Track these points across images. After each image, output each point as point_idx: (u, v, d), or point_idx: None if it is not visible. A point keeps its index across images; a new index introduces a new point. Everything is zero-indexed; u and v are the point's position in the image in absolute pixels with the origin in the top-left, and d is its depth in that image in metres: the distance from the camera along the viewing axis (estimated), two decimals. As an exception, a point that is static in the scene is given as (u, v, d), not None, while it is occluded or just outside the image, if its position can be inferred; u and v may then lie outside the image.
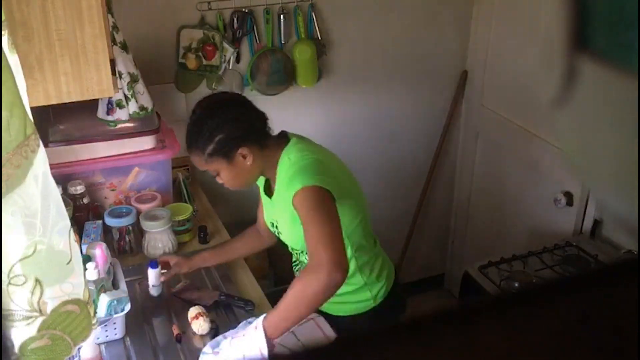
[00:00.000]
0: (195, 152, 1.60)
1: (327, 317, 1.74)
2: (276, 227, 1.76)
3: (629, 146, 0.27)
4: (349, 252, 1.65)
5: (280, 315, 1.45)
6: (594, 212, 2.36)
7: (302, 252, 1.75)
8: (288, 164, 1.61)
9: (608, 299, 0.35)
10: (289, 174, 1.58)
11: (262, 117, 1.66)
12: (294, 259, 1.86)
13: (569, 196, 2.41)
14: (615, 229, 2.27)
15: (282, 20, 2.43)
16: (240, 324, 1.64)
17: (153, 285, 1.81)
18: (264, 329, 1.44)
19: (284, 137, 1.70)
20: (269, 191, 1.76)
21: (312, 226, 1.46)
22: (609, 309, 0.34)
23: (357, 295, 1.76)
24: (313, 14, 2.47)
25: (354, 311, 1.78)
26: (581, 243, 2.31)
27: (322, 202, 1.49)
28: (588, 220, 2.39)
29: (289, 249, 1.81)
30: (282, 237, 1.76)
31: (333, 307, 1.74)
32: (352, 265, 1.67)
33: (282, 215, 1.68)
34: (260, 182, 1.79)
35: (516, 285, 2.12)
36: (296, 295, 1.43)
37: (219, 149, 1.58)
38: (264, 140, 1.64)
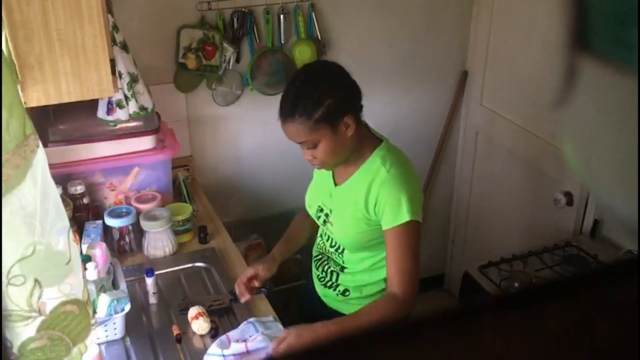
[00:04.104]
0: (299, 119, 1.52)
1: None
2: (326, 215, 1.73)
3: (629, 146, 0.27)
4: None
5: (347, 323, 1.58)
6: (594, 212, 2.36)
7: (340, 251, 1.74)
8: (383, 170, 1.59)
9: (608, 299, 0.35)
10: (390, 188, 1.57)
11: (359, 91, 1.62)
12: (316, 254, 1.85)
13: (569, 196, 2.41)
14: (615, 229, 2.27)
15: (282, 20, 2.43)
16: (242, 325, 1.64)
17: (153, 293, 1.81)
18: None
19: (372, 134, 1.69)
20: (334, 176, 1.73)
21: (408, 261, 1.59)
22: (609, 309, 0.34)
23: (373, 297, 1.76)
24: (313, 14, 2.47)
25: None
26: (581, 243, 2.31)
27: (418, 239, 1.61)
28: (588, 220, 2.39)
29: (322, 240, 1.80)
30: (329, 228, 1.73)
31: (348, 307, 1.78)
32: (368, 265, 1.73)
33: (344, 210, 1.68)
34: None
35: (516, 285, 2.12)
36: (369, 312, 1.57)
37: (327, 114, 1.51)
38: (360, 115, 1.61)
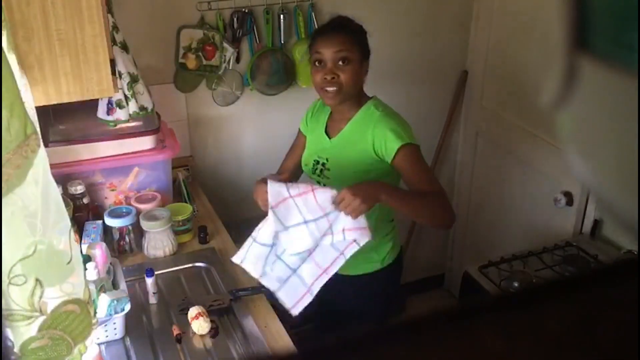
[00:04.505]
0: (346, 33, 1.72)
1: (333, 276, 1.75)
2: (322, 164, 1.84)
3: (629, 146, 0.27)
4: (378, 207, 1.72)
5: (406, 194, 1.71)
6: (594, 212, 2.36)
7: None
8: (376, 113, 1.77)
9: (608, 299, 0.35)
10: (383, 123, 1.73)
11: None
12: None
13: (569, 196, 2.41)
14: (615, 229, 2.27)
15: (282, 20, 2.43)
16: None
17: (154, 293, 1.81)
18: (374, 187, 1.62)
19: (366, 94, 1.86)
20: (328, 131, 1.87)
21: (428, 173, 1.78)
22: (609, 309, 0.34)
23: (367, 255, 1.83)
24: (313, 14, 2.47)
25: (360, 271, 1.89)
26: (581, 243, 2.31)
27: (422, 158, 1.76)
28: (588, 220, 2.39)
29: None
30: (327, 174, 1.83)
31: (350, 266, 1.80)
32: (373, 219, 1.76)
33: (341, 157, 1.80)
34: (322, 123, 1.89)
35: (516, 285, 2.12)
36: (426, 195, 1.69)
37: (365, 44, 1.76)
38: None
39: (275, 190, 1.66)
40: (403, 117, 1.82)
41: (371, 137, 1.74)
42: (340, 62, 1.71)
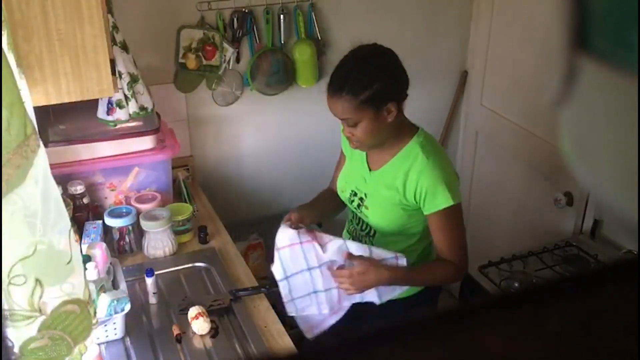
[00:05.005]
0: (347, 97, 1.56)
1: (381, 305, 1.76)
2: (360, 199, 1.77)
3: (629, 146, 0.27)
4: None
5: (408, 274, 1.67)
6: (594, 212, 2.36)
7: (372, 234, 1.77)
8: (422, 157, 1.64)
9: (608, 299, 0.35)
10: (433, 173, 1.63)
11: (407, 80, 1.66)
12: (346, 237, 1.87)
13: (569, 196, 2.41)
14: (615, 229, 2.27)
15: (282, 20, 2.43)
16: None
17: (154, 293, 1.81)
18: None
19: (410, 122, 1.73)
20: (369, 160, 1.77)
21: (458, 238, 1.72)
22: (609, 309, 0.34)
23: None
24: (313, 13, 2.47)
25: (410, 292, 1.83)
26: (581, 243, 2.31)
27: (462, 217, 1.73)
28: (588, 220, 2.39)
29: (351, 224, 1.84)
30: (364, 212, 1.76)
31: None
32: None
33: (379, 194, 1.72)
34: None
35: (516, 285, 2.12)
36: (433, 270, 1.72)
37: (373, 97, 1.56)
38: (403, 103, 1.66)
39: (286, 235, 1.68)
40: (446, 155, 1.75)
41: (415, 183, 1.64)
42: (349, 125, 1.62)
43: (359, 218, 1.81)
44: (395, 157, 1.69)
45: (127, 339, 1.67)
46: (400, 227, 1.73)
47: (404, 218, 1.71)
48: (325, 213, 1.92)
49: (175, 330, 1.67)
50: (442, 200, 1.63)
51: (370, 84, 1.56)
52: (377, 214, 1.74)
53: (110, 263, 1.72)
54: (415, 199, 1.66)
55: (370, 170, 1.76)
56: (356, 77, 1.57)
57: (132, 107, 1.98)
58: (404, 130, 1.69)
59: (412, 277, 1.70)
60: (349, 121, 1.60)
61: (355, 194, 1.79)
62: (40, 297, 1.10)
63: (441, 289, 1.98)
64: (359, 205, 1.78)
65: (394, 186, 1.68)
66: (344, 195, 1.83)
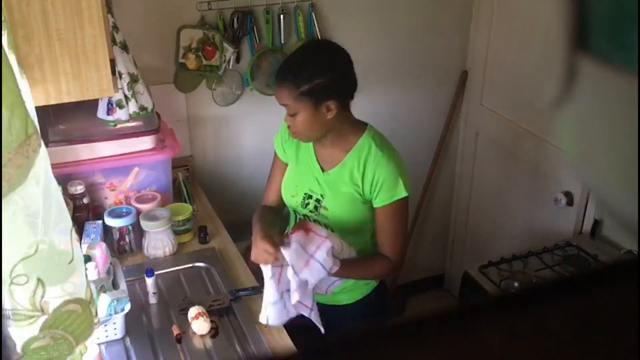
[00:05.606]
0: (288, 85, 1.59)
1: (331, 308, 1.78)
2: (317, 200, 1.74)
3: (629, 146, 0.27)
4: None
5: (346, 269, 1.66)
6: (594, 212, 2.36)
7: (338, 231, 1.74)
8: (376, 151, 1.67)
9: (608, 299, 0.35)
10: (388, 166, 1.65)
11: (356, 82, 1.68)
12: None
13: (569, 196, 2.41)
14: (615, 229, 2.27)
15: (282, 20, 2.43)
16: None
17: (154, 293, 1.81)
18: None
19: (357, 120, 1.74)
20: (319, 160, 1.75)
21: (401, 233, 1.75)
22: (609, 309, 0.34)
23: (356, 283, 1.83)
24: (313, 14, 2.47)
25: (359, 296, 1.85)
26: (581, 243, 2.31)
27: (407, 211, 1.74)
28: (588, 220, 2.39)
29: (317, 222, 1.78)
30: (323, 213, 1.73)
31: (344, 296, 1.83)
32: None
33: (338, 193, 1.71)
34: (310, 152, 1.76)
35: (516, 285, 2.12)
36: (369, 266, 1.74)
37: (312, 91, 1.58)
38: (348, 104, 1.68)
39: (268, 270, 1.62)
40: (395, 149, 1.75)
41: (371, 175, 1.66)
42: (288, 114, 1.64)
43: (315, 220, 1.77)
44: (349, 154, 1.70)
45: (127, 339, 1.67)
46: (361, 223, 1.74)
47: (365, 212, 1.72)
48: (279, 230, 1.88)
49: (175, 330, 1.67)
50: (398, 191, 1.66)
51: (312, 77, 1.57)
52: (338, 213, 1.72)
53: (110, 263, 1.72)
54: (370, 190, 1.68)
55: (323, 171, 1.74)
56: (300, 69, 1.59)
57: (132, 107, 1.98)
58: (352, 127, 1.71)
59: (347, 269, 1.68)
60: (288, 109, 1.63)
61: (310, 197, 1.76)
62: (42, 296, 1.11)
63: (387, 291, 2.02)
64: (316, 207, 1.75)
65: (352, 181, 1.69)
66: (295, 200, 1.78)
